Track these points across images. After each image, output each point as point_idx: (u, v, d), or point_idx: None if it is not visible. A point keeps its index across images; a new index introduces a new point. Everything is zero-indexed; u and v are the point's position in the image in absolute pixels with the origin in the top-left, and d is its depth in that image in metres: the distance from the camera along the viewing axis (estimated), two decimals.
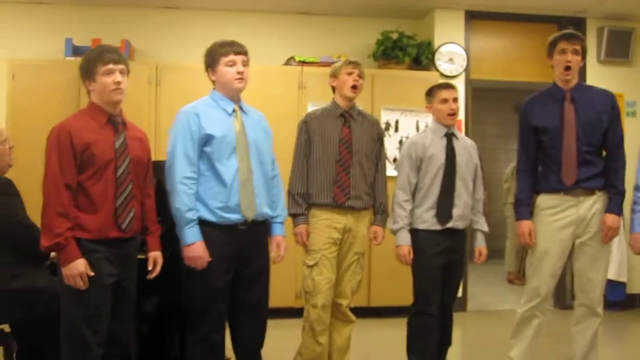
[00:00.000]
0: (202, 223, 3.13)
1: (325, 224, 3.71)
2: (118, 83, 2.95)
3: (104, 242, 2.91)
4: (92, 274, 2.84)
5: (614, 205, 3.67)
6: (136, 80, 5.26)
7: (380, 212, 3.87)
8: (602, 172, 3.67)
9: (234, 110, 3.26)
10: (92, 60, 2.98)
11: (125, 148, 2.98)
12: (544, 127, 3.69)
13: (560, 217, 3.66)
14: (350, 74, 3.78)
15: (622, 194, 3.68)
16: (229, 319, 3.29)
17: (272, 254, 3.38)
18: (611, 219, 3.64)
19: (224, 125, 3.20)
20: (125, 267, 3.00)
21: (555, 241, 3.67)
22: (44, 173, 2.89)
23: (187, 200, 3.09)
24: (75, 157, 2.87)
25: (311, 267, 3.70)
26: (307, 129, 3.80)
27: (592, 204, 3.65)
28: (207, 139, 3.14)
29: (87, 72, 2.99)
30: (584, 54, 3.70)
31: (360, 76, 3.81)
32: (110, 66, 2.95)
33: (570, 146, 3.62)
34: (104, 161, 2.91)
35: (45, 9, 6.05)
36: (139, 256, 3.14)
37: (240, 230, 3.18)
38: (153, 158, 3.25)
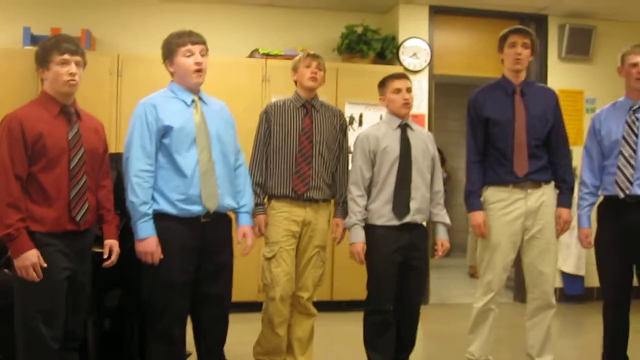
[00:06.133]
0: (163, 216, 3.08)
1: (284, 217, 3.70)
2: (72, 74, 2.89)
3: (59, 235, 2.85)
4: (45, 265, 2.78)
5: (567, 199, 3.79)
6: (97, 70, 5.19)
7: (341, 203, 3.86)
8: (547, 165, 3.76)
9: (193, 101, 3.20)
10: (48, 49, 2.92)
11: (79, 139, 2.92)
12: (496, 119, 3.74)
13: (509, 209, 3.71)
14: (308, 66, 3.79)
15: (572, 188, 3.82)
16: (191, 313, 3.25)
17: (239, 245, 3.34)
18: (566, 213, 3.76)
19: (183, 116, 3.14)
20: (81, 261, 2.95)
21: (505, 234, 3.72)
22: None
23: (141, 193, 3.03)
24: (27, 147, 2.80)
25: (269, 259, 3.69)
26: (268, 118, 3.80)
27: (540, 197, 3.72)
28: (165, 131, 3.09)
29: (42, 60, 2.92)
30: (533, 48, 3.78)
31: (320, 68, 3.81)
32: (66, 56, 2.89)
33: (522, 139, 3.69)
34: (56, 152, 2.85)
35: None
36: (97, 249, 3.08)
37: (202, 223, 3.13)
38: (114, 150, 3.20)
